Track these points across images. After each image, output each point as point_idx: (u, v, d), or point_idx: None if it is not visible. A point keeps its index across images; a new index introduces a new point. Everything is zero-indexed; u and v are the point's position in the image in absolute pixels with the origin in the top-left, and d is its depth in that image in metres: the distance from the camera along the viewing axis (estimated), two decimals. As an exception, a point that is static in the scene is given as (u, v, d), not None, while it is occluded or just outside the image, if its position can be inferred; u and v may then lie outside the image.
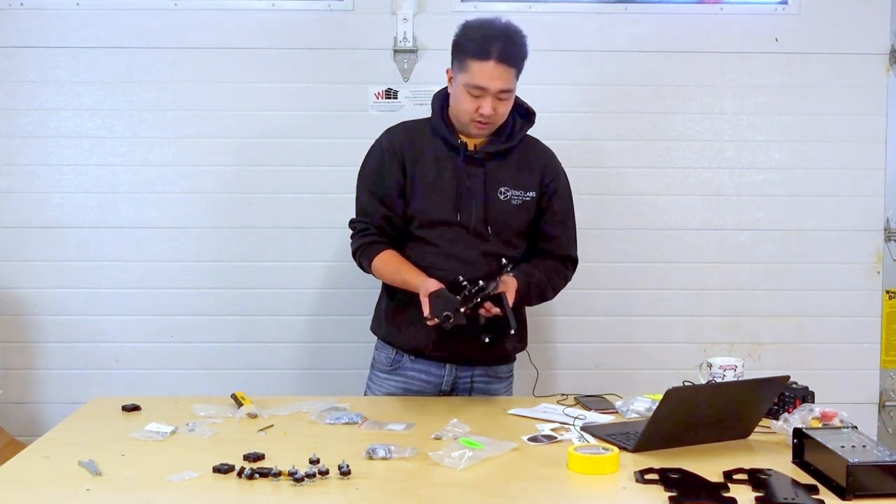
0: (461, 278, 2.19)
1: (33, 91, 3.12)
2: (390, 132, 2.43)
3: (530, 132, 2.45)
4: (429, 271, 2.30)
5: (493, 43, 2.21)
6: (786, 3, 3.19)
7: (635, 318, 3.23)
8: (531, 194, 2.38)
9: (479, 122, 2.28)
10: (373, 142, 2.44)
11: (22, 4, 3.09)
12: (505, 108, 2.30)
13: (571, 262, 2.47)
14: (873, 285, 3.25)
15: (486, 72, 2.21)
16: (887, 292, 3.25)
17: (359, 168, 2.43)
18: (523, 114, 2.42)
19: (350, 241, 2.43)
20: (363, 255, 2.39)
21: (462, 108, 2.28)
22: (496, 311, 2.15)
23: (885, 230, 3.22)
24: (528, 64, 3.10)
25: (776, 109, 3.20)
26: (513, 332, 2.14)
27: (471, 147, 2.34)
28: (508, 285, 2.23)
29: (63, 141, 3.14)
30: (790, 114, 3.20)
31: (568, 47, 3.16)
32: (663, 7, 3.19)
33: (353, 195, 2.43)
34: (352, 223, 2.44)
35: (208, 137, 3.14)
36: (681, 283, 3.23)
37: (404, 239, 2.39)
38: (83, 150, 3.14)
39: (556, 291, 2.44)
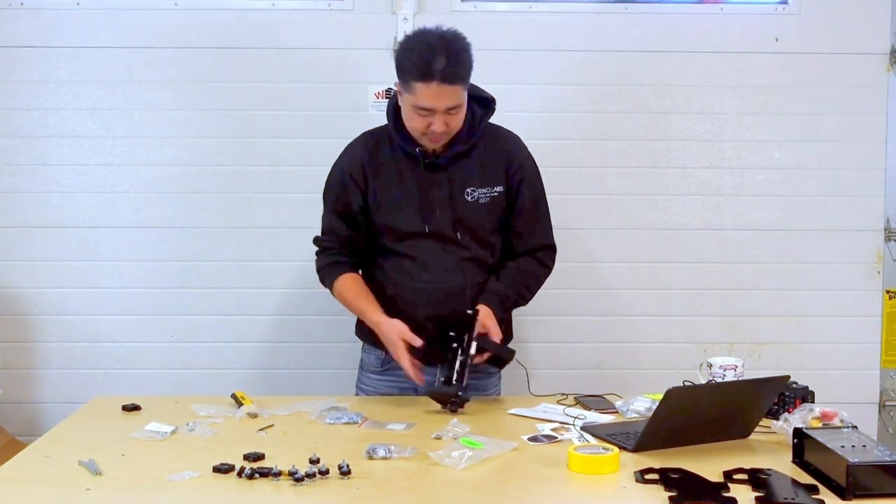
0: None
1: (33, 91, 3.12)
2: (350, 151, 2.40)
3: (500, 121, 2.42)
4: (408, 283, 2.32)
5: (434, 62, 2.11)
6: (786, 3, 3.19)
7: (635, 318, 3.23)
8: (498, 189, 2.34)
9: (430, 138, 2.23)
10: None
11: (22, 4, 3.09)
12: (457, 121, 2.23)
13: (549, 250, 2.44)
14: (873, 285, 3.24)
15: (431, 93, 2.14)
16: (887, 292, 3.25)
17: (324, 184, 2.42)
18: (483, 104, 2.35)
19: (315, 258, 2.45)
20: (326, 275, 2.41)
21: (412, 125, 2.23)
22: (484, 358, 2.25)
23: (885, 230, 3.22)
24: (528, 64, 3.13)
25: (776, 109, 3.20)
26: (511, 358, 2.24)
27: (430, 152, 2.30)
28: (484, 314, 2.26)
29: (63, 141, 3.14)
30: (790, 114, 3.20)
31: (568, 47, 3.16)
32: (663, 7, 3.19)
33: None
34: (317, 241, 2.44)
35: (208, 137, 3.14)
36: (681, 283, 3.23)
37: (376, 253, 2.38)
38: (83, 150, 3.14)
39: (533, 292, 2.43)
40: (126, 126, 3.14)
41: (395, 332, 2.25)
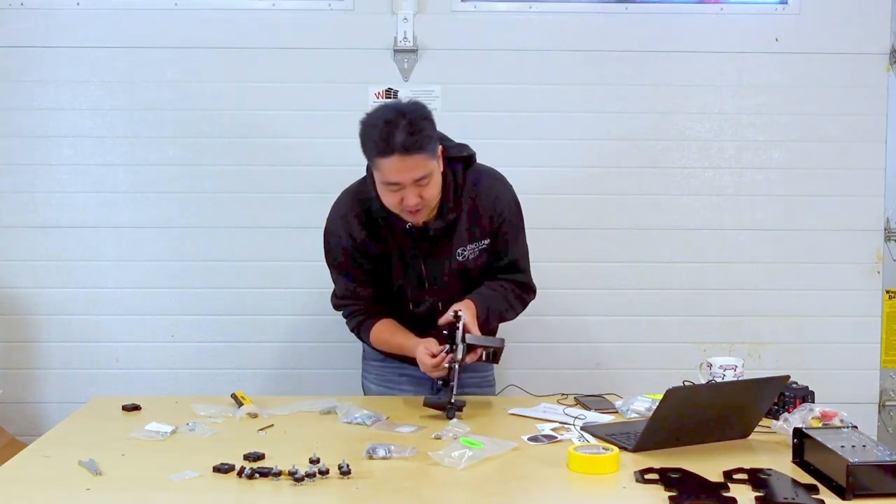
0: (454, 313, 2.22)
1: (33, 91, 3.12)
2: (345, 223, 2.31)
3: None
4: (413, 329, 2.33)
5: (392, 136, 2.06)
6: (786, 3, 3.19)
7: (635, 318, 3.23)
8: (485, 242, 2.34)
9: (408, 212, 2.18)
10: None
11: (22, 4, 3.09)
12: (430, 191, 2.16)
13: (529, 290, 2.43)
14: (873, 285, 3.25)
15: (395, 166, 2.08)
16: (887, 292, 3.25)
17: (323, 251, 2.37)
18: (462, 162, 2.29)
19: (344, 320, 2.44)
20: (361, 333, 2.41)
21: (387, 202, 2.18)
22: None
23: (885, 230, 3.23)
24: (528, 64, 3.13)
25: (776, 109, 3.20)
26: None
27: (419, 224, 2.26)
28: (463, 306, 2.25)
29: (63, 141, 3.14)
30: (790, 114, 3.20)
31: (568, 47, 3.16)
32: (663, 7, 3.19)
33: None
34: (338, 305, 2.42)
35: (208, 137, 3.14)
36: (681, 283, 3.23)
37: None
38: (83, 150, 3.14)
39: (515, 310, 2.42)
40: (126, 126, 3.14)
41: (420, 347, 2.24)
